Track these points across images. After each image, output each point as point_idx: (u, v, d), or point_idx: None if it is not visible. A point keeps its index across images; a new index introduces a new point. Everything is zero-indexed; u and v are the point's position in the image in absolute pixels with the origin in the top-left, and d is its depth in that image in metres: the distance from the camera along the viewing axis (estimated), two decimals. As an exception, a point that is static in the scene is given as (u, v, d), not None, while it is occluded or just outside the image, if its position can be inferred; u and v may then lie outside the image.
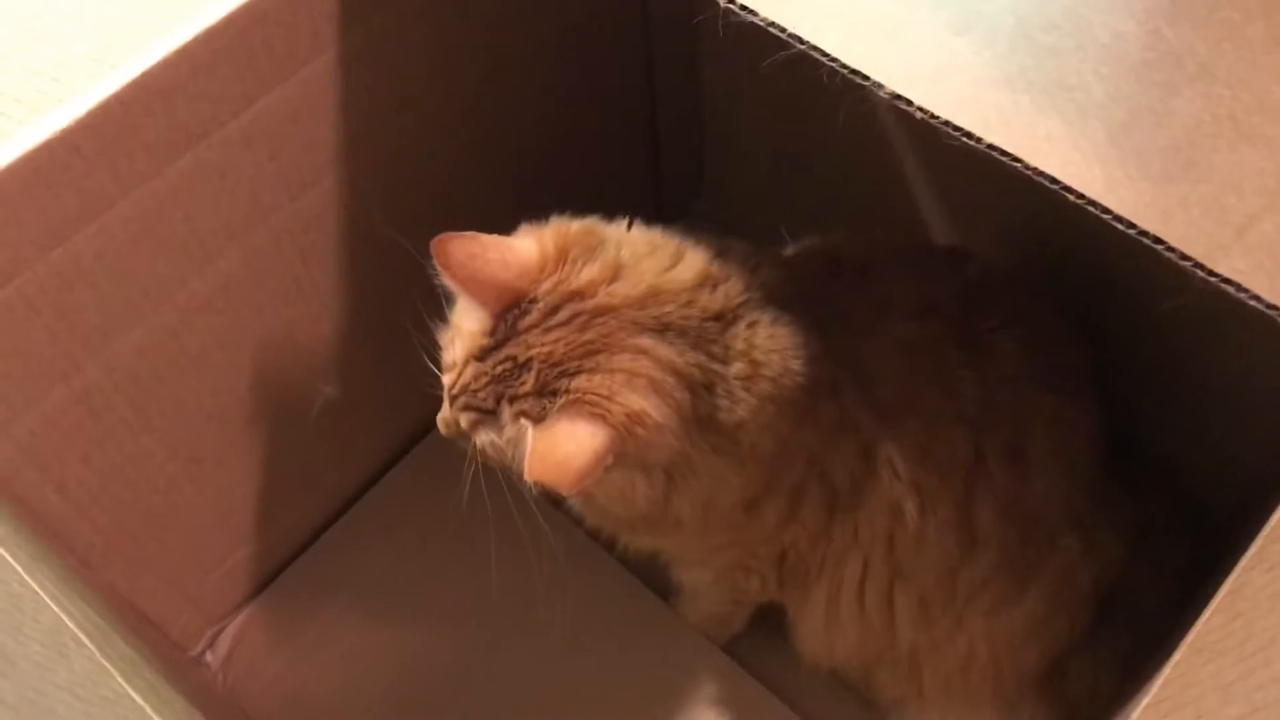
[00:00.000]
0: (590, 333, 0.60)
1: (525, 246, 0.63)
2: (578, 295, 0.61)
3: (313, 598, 0.90)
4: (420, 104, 0.76)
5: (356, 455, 0.93)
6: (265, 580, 0.91)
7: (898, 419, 0.65)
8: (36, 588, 0.46)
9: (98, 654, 0.44)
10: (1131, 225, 0.42)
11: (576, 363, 0.59)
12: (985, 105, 0.47)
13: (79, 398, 0.67)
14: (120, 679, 0.44)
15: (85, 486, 0.71)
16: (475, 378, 0.62)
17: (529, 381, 0.60)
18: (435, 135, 0.79)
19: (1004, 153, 0.44)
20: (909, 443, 0.65)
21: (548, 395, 0.60)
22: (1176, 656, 0.42)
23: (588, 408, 0.58)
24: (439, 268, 0.63)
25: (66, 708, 0.33)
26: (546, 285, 0.61)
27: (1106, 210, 0.42)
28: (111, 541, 0.75)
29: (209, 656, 0.88)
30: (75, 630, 0.45)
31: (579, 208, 0.98)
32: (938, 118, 0.45)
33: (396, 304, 0.85)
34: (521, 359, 0.60)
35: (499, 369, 0.61)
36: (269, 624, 0.89)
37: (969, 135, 0.44)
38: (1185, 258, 0.42)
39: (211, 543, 0.84)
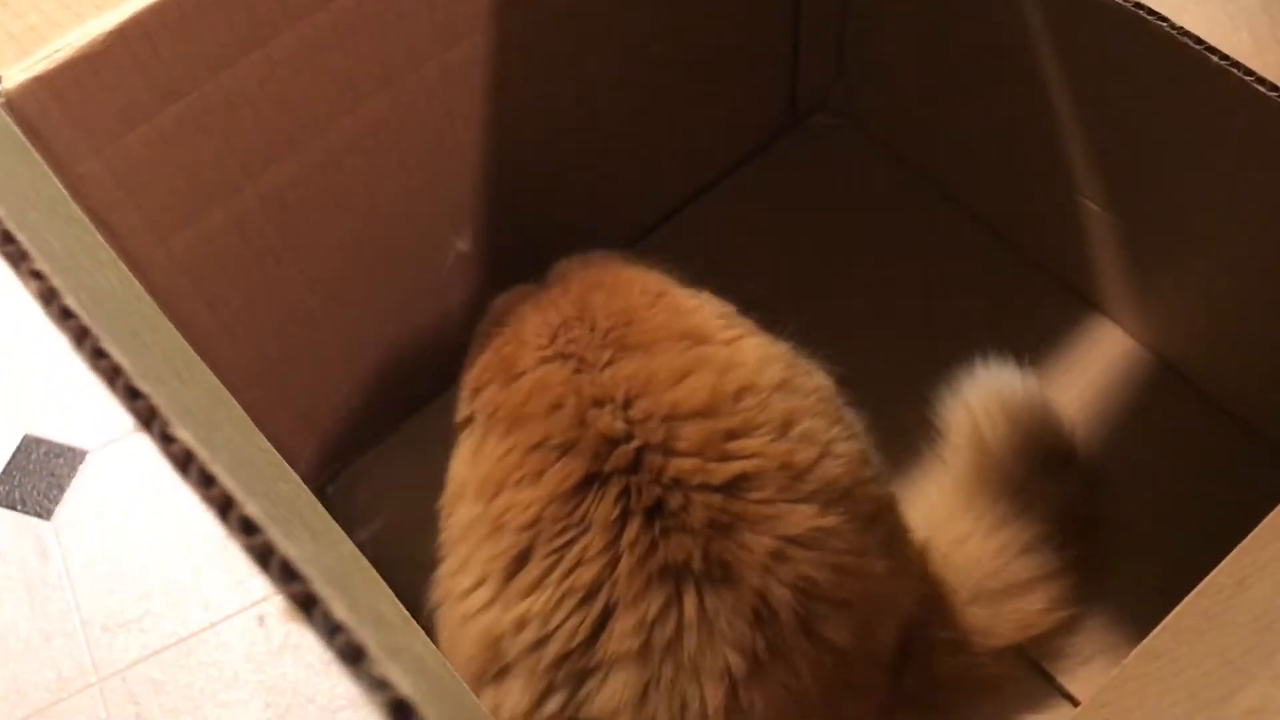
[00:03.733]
0: None
1: None
2: None
3: (437, 447, 0.94)
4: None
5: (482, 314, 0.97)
6: (392, 425, 0.96)
7: None
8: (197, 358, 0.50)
9: (250, 421, 0.48)
10: (1275, 88, 0.42)
11: None
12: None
13: (234, 219, 0.72)
14: (266, 440, 0.48)
15: (232, 306, 0.76)
16: None
17: None
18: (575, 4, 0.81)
19: (1151, 11, 0.44)
20: None
21: None
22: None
23: None
24: None
25: (230, 436, 0.36)
26: None
27: (1250, 73, 0.43)
28: (252, 364, 0.80)
29: (329, 490, 0.93)
30: (231, 397, 0.49)
31: (713, 83, 0.99)
32: (1087, -26, 0.45)
33: (533, 167, 0.89)
34: None
35: None
36: (390, 468, 0.94)
37: (1117, -8, 0.45)
38: (1326, 123, 0.42)
39: (342, 381, 0.89)
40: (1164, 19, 0.44)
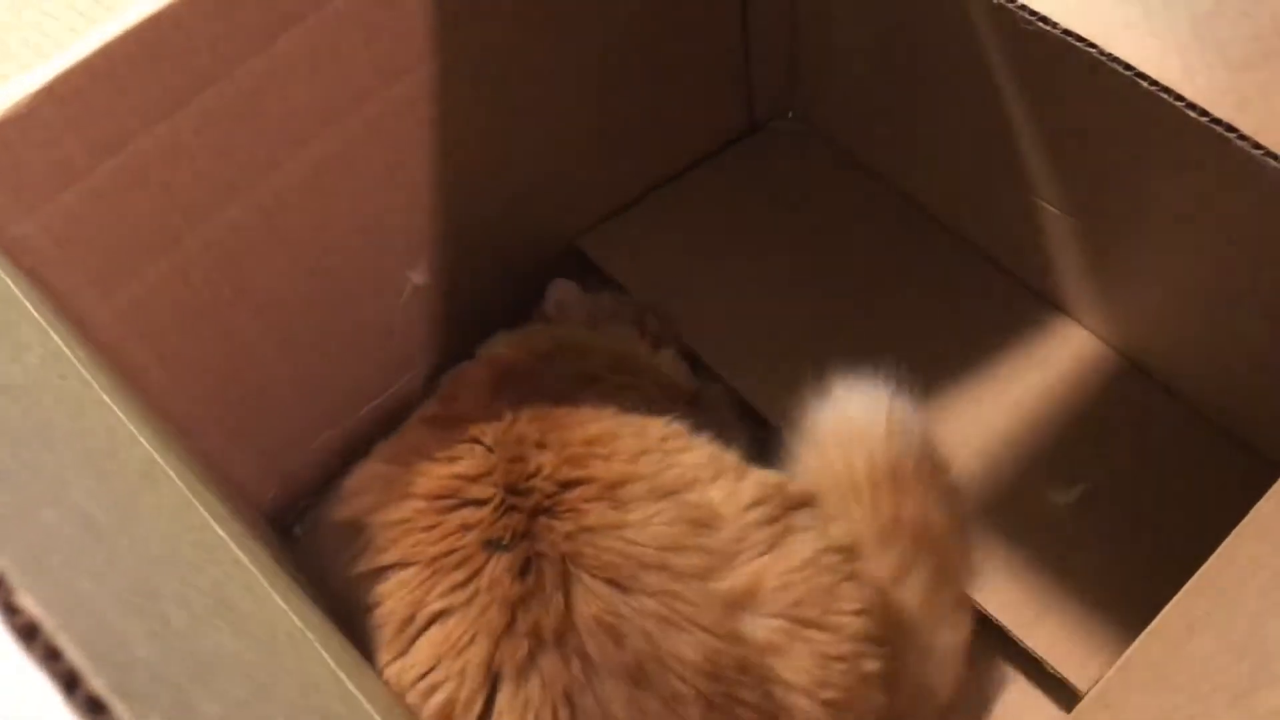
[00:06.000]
0: None
1: None
2: None
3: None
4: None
5: (443, 346, 0.96)
6: (354, 463, 0.94)
7: None
8: (132, 429, 0.49)
9: (186, 491, 0.48)
10: (1205, 113, 0.42)
11: None
12: (1065, -8, 0.46)
13: (178, 270, 0.71)
14: (205, 514, 0.47)
15: (183, 357, 0.75)
16: None
17: None
18: (524, 27, 0.80)
19: (1079, 38, 0.44)
20: None
21: None
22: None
23: None
24: None
25: (152, 521, 0.36)
26: None
27: (1180, 98, 0.42)
28: (208, 411, 0.79)
29: (297, 530, 0.92)
30: (165, 468, 0.48)
31: (668, 98, 0.98)
32: (1014, 1, 0.45)
33: (488, 196, 0.88)
34: None
35: None
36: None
37: (1044, 20, 0.44)
38: (1258, 146, 0.41)
39: (302, 420, 0.88)
40: (1093, 45, 0.43)
